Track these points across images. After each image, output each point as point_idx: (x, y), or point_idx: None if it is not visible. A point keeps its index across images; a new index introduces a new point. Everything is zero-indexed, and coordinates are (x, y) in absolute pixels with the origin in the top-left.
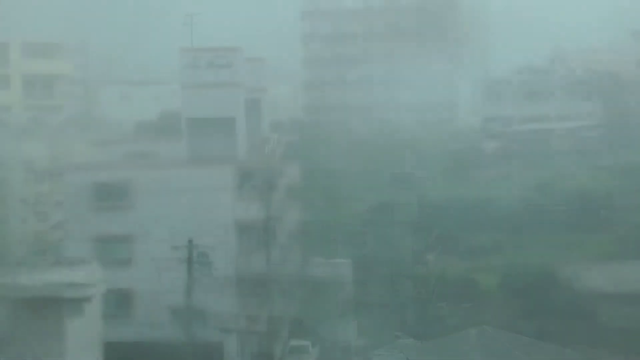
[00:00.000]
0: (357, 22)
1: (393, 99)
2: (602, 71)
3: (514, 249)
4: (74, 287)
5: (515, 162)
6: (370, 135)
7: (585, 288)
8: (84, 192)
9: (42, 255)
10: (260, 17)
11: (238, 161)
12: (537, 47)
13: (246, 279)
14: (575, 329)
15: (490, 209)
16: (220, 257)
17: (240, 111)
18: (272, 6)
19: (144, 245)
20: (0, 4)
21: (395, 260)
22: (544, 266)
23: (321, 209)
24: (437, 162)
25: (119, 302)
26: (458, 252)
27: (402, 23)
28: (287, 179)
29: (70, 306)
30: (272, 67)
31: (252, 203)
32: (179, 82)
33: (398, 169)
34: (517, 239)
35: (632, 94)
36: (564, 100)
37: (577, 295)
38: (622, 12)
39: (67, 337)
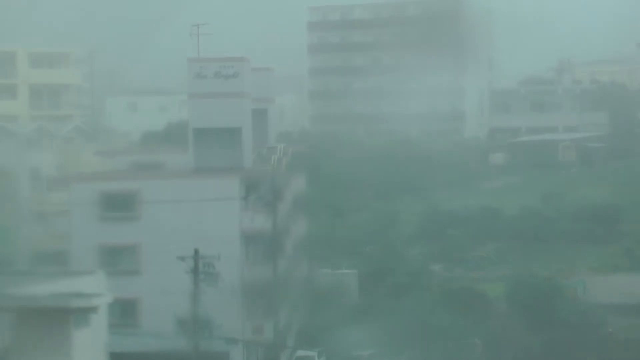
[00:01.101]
0: (364, 33)
1: (400, 109)
2: (609, 82)
3: (520, 260)
4: (80, 297)
5: (521, 172)
6: (377, 145)
7: (592, 299)
8: (90, 202)
9: (49, 265)
10: (267, 27)
11: (244, 171)
12: (544, 58)
13: (252, 289)
14: (581, 340)
15: (497, 220)
16: (227, 267)
17: (246, 121)
18: (279, 16)
19: (150, 255)
20: (9, 13)
21: (402, 271)
22: (550, 277)
23: (327, 219)
24: (443, 172)
25: (125, 312)
26: (464, 262)
27: (409, 33)
28: (294, 189)
29: (76, 316)
30: (279, 77)
31: (258, 213)
32: (186, 92)
33: (405, 179)
34: (523, 249)
35: (639, 104)
36: (571, 111)
37: (583, 306)
38: (629, 23)
39: (73, 348)
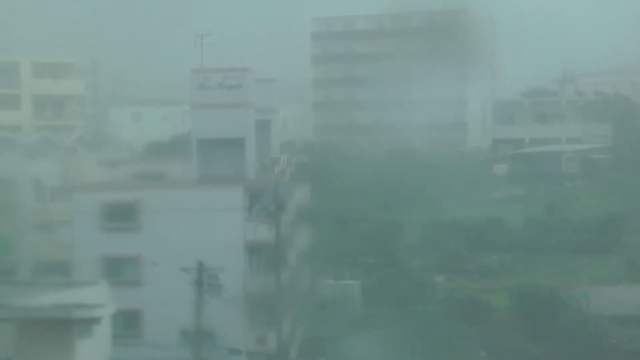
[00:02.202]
0: (367, 43)
1: (403, 120)
2: (612, 93)
3: (523, 270)
4: (83, 308)
5: (525, 183)
6: (380, 155)
7: (594, 310)
8: (93, 212)
9: (51, 276)
10: (271, 38)
11: (248, 182)
12: (547, 69)
13: (255, 299)
14: (584, 351)
15: (500, 230)
16: (230, 277)
17: (250, 132)
18: (283, 27)
19: (153, 266)
20: (12, 23)
21: (405, 281)
22: (553, 288)
23: (331, 230)
24: (446, 183)
25: (128, 322)
26: (468, 273)
27: (413, 44)
28: (297, 199)
29: (79, 327)
30: (283, 87)
31: (261, 224)
32: (189, 103)
33: (408, 190)
34: (526, 260)
35: None
36: (574, 123)
37: (586, 317)
38: (632, 34)
39: (76, 358)
